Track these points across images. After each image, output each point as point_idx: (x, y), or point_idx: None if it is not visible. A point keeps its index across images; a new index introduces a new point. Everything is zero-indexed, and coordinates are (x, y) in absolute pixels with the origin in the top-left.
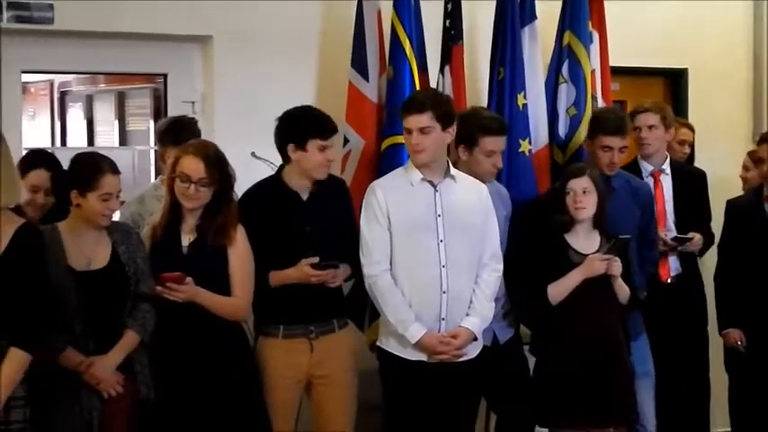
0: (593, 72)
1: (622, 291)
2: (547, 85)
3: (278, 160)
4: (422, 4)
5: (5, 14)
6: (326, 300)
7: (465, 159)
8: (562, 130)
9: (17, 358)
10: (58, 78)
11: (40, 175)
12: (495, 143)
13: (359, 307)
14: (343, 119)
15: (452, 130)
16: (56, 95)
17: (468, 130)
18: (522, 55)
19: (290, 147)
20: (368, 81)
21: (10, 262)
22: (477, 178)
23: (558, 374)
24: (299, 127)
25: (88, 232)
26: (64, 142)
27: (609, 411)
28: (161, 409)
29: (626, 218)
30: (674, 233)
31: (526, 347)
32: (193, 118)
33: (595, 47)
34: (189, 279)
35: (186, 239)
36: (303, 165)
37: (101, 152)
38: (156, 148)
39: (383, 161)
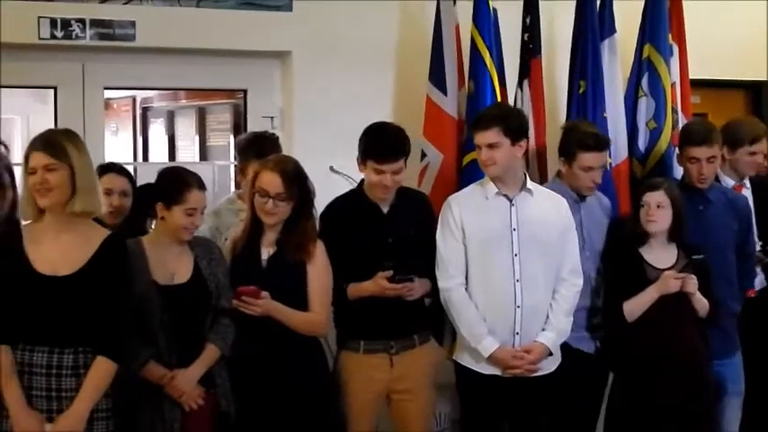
0: (673, 85)
1: (700, 305)
2: (626, 99)
3: (356, 174)
4: (500, 17)
5: (89, 32)
6: (407, 315)
7: (565, 172)
8: (642, 143)
9: (103, 367)
10: (140, 94)
11: (112, 179)
12: (593, 159)
13: (439, 321)
14: (420, 133)
15: (524, 143)
16: (138, 111)
17: (568, 143)
18: (602, 68)
19: (358, 160)
20: (446, 95)
21: (96, 271)
22: (576, 191)
23: (636, 390)
24: (362, 144)
25: (171, 246)
26: (146, 157)
27: (689, 428)
28: (240, 422)
29: (723, 230)
30: (758, 246)
31: None
32: (274, 133)
33: (675, 59)
34: (265, 293)
35: (266, 253)
36: (367, 181)
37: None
38: (237, 162)
39: (464, 176)
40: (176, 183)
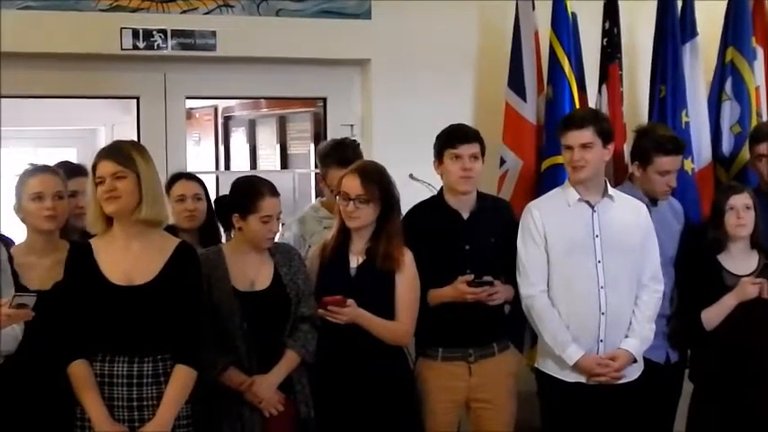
0: (757, 89)
1: None
2: (709, 103)
3: (435, 181)
4: (579, 22)
5: (170, 42)
6: (486, 323)
7: (638, 176)
8: (726, 148)
9: (184, 375)
10: (221, 104)
11: (183, 185)
12: (670, 163)
13: (518, 328)
14: (500, 139)
15: (611, 147)
16: (220, 121)
17: (643, 147)
18: (683, 72)
19: (435, 163)
20: (525, 101)
21: (170, 279)
22: (649, 196)
23: (724, 402)
24: (437, 141)
25: (251, 254)
26: (228, 166)
27: None
28: (320, 428)
29: None
30: None
31: None
32: (355, 140)
33: (760, 63)
34: (350, 301)
35: (354, 261)
36: (446, 179)
37: (262, 176)
38: (318, 170)
39: (543, 182)
40: (249, 192)
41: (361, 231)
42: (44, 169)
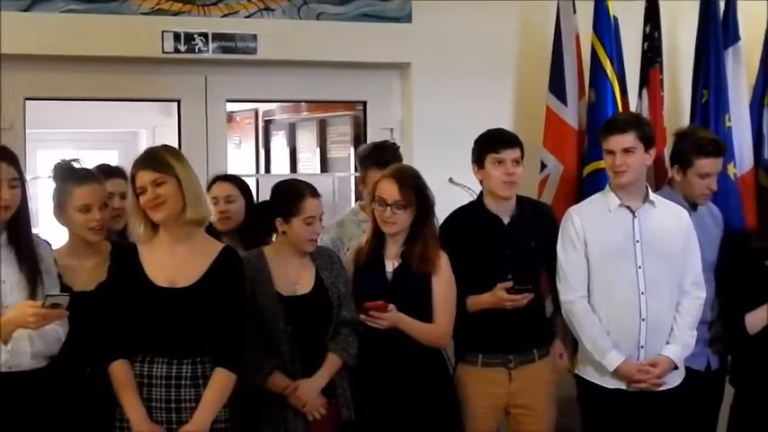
0: None
1: None
2: (751, 108)
3: (475, 185)
4: (621, 25)
5: (211, 45)
6: (526, 329)
7: (678, 180)
8: None
9: (223, 378)
10: (262, 108)
11: (217, 187)
12: (711, 165)
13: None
14: (540, 144)
15: (652, 152)
16: (260, 124)
17: (684, 150)
18: (726, 76)
19: (475, 168)
20: (566, 105)
21: (213, 282)
22: (689, 200)
23: (760, 398)
24: (476, 148)
25: (293, 257)
26: (268, 169)
27: None
28: (361, 431)
29: None
30: None
31: None
32: (395, 143)
33: None
34: (391, 306)
35: (390, 265)
36: (487, 184)
37: (302, 179)
38: (358, 173)
39: (585, 187)
40: (290, 195)
41: (397, 235)
42: (89, 178)
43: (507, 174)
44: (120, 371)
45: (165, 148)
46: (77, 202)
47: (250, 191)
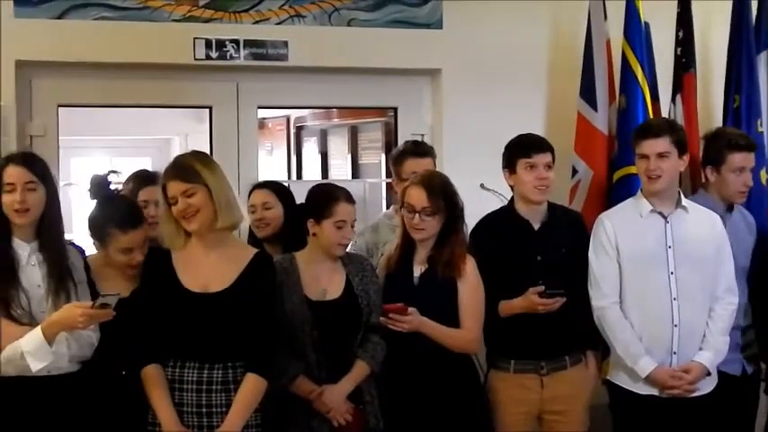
0: None
1: None
2: None
3: (506, 191)
4: (652, 31)
5: (242, 52)
6: (559, 335)
7: (713, 181)
8: None
9: (254, 383)
10: (294, 114)
11: (254, 195)
12: (745, 159)
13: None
14: (571, 149)
15: (686, 158)
16: (292, 130)
17: (715, 148)
18: (758, 81)
19: (506, 173)
20: (597, 111)
21: (245, 288)
22: (726, 200)
23: None
24: (507, 153)
25: (324, 262)
26: (300, 176)
27: None
28: None
29: None
30: None
31: None
32: (427, 143)
33: None
34: (412, 309)
35: (418, 270)
36: (519, 189)
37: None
38: (389, 179)
39: (615, 192)
40: (324, 197)
41: (426, 241)
42: (134, 224)
43: (539, 178)
44: (152, 374)
45: (194, 155)
46: (121, 246)
47: (289, 196)
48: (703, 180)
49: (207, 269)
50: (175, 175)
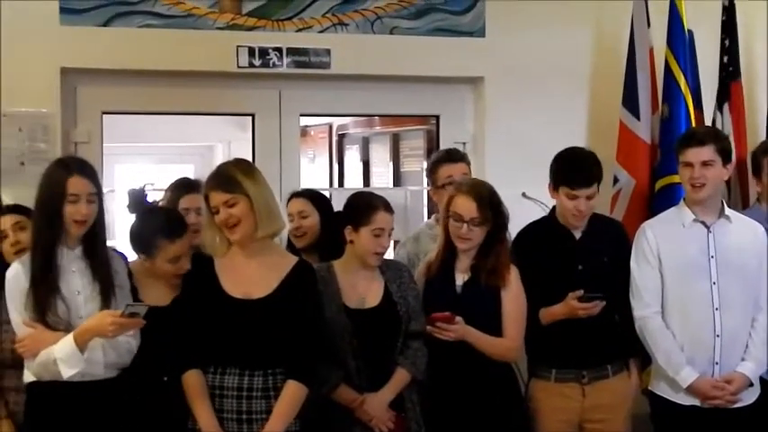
0: None
1: None
2: None
3: (548, 200)
4: (696, 39)
5: (285, 60)
6: (600, 345)
7: (760, 191)
8: None
9: (295, 391)
10: (336, 122)
11: (291, 204)
12: None
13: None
14: (613, 158)
15: (730, 167)
16: (334, 138)
17: (756, 159)
18: None
19: (550, 185)
20: (639, 120)
21: (287, 295)
22: None
23: None
24: (554, 170)
25: (362, 271)
26: (341, 183)
27: None
28: None
29: None
30: None
31: None
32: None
33: None
34: (459, 318)
35: (460, 279)
36: (559, 208)
37: (375, 192)
38: (430, 187)
39: (657, 201)
40: (363, 205)
41: (469, 250)
42: (179, 231)
43: (578, 209)
44: (193, 380)
45: (236, 164)
46: (170, 255)
47: (326, 204)
48: (758, 192)
49: (249, 276)
50: (217, 185)
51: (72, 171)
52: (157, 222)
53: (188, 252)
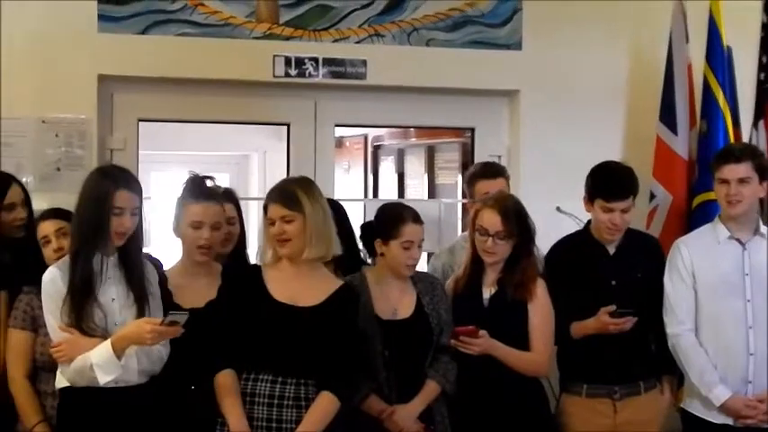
0: None
1: None
2: None
3: (583, 215)
4: (734, 56)
5: (321, 70)
6: (632, 361)
7: None
8: None
9: (328, 402)
10: (371, 133)
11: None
12: None
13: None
14: (650, 173)
15: (766, 185)
16: (369, 149)
17: None
18: None
19: (585, 198)
20: (677, 135)
21: (331, 310)
22: None
23: None
24: (589, 183)
25: (394, 282)
26: (376, 194)
27: None
28: None
29: None
30: None
31: None
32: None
33: None
34: (483, 332)
35: (487, 292)
36: (594, 222)
37: (410, 204)
38: (464, 200)
39: (694, 218)
40: (392, 218)
41: (496, 264)
42: (208, 196)
43: (613, 223)
44: (226, 381)
45: (299, 182)
46: (191, 218)
47: (341, 214)
48: None
49: (296, 286)
50: (278, 199)
51: (119, 185)
52: (193, 187)
53: (212, 224)
